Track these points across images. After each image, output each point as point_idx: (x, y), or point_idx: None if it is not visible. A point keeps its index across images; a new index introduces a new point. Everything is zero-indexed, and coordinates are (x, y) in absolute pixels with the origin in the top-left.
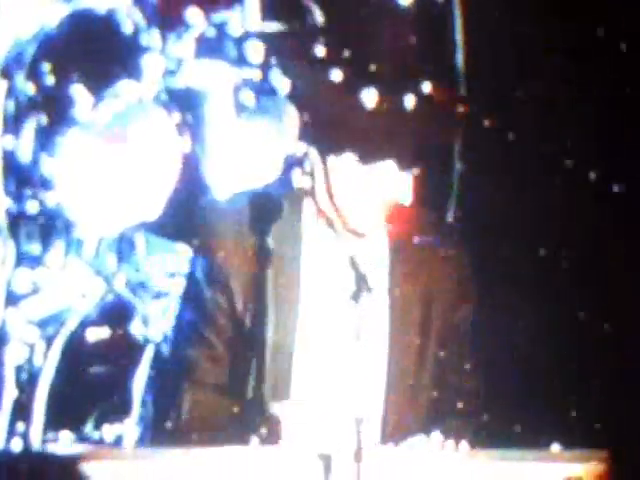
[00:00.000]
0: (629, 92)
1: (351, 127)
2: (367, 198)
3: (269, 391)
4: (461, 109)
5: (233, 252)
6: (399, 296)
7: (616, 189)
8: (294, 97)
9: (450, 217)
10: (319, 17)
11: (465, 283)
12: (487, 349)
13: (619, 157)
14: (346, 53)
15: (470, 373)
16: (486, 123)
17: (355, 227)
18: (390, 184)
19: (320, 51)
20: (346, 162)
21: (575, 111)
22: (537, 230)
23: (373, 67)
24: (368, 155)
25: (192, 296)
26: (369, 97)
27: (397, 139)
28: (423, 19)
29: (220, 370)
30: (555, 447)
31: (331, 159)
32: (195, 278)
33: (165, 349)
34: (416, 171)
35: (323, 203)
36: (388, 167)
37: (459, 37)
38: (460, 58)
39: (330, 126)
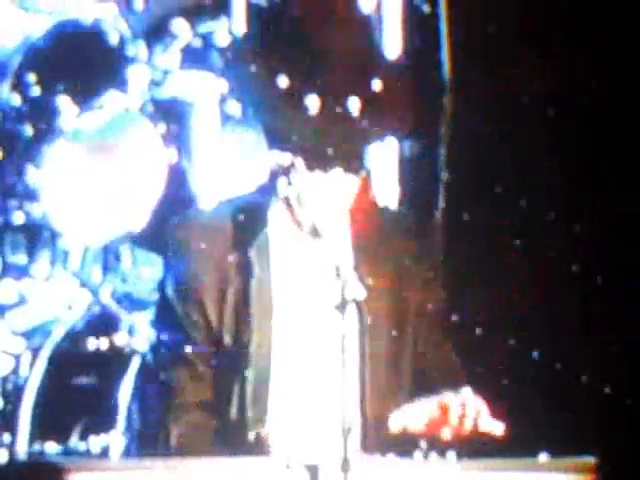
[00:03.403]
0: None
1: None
2: (327, 200)
3: (252, 404)
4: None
5: (210, 266)
6: (370, 300)
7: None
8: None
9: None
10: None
11: (433, 277)
12: (474, 357)
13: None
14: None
15: (452, 370)
16: (473, 124)
17: (319, 229)
18: (345, 186)
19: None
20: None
21: (565, 111)
22: (524, 228)
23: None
24: (316, 160)
25: (167, 313)
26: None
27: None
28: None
29: (202, 388)
30: (543, 456)
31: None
32: (168, 295)
33: (150, 361)
34: (364, 173)
35: (297, 210)
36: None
37: (444, 35)
38: (446, 67)
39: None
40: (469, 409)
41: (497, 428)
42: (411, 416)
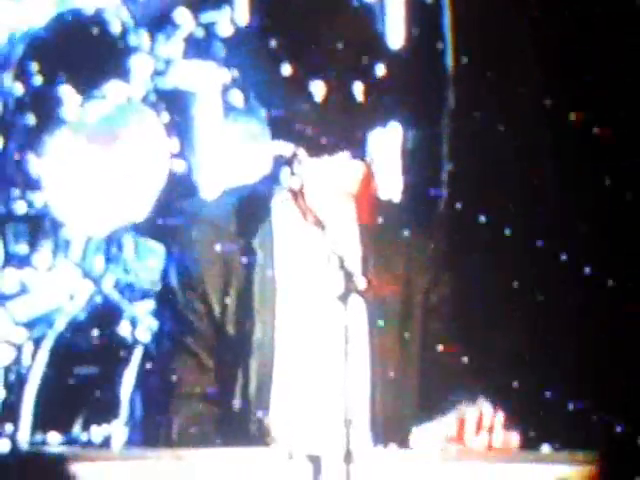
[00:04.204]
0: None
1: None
2: (330, 189)
3: (255, 394)
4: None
5: (213, 256)
6: (375, 292)
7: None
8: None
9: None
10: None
11: (439, 267)
12: (476, 348)
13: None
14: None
15: (457, 360)
16: (477, 119)
17: (322, 219)
18: (349, 174)
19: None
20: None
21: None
22: (527, 222)
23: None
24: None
25: (169, 303)
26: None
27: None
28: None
29: (205, 378)
30: (545, 448)
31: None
32: (171, 285)
33: (153, 350)
34: (369, 159)
35: (300, 200)
36: (343, 157)
37: (448, 35)
38: (449, 57)
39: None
40: (485, 423)
41: (512, 440)
42: (430, 434)
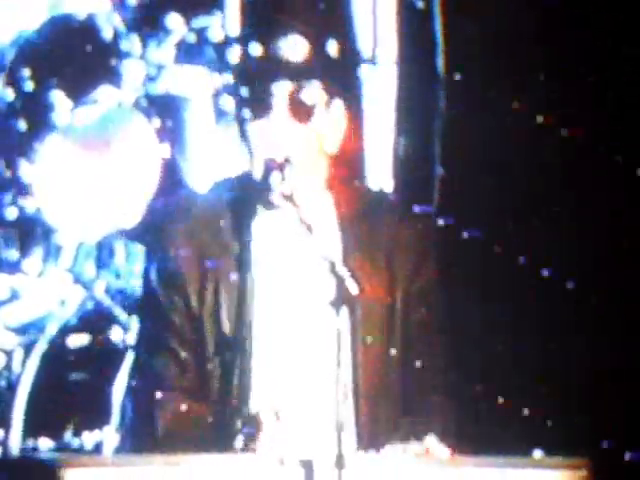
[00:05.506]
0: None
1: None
2: (318, 191)
3: (244, 398)
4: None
5: (197, 256)
6: (365, 297)
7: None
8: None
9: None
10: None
11: (425, 272)
12: (469, 356)
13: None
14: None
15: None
16: (468, 125)
17: (313, 224)
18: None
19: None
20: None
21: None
22: (518, 223)
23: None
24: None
25: (149, 302)
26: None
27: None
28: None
29: (189, 376)
30: (537, 453)
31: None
32: (150, 284)
33: (137, 353)
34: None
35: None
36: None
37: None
38: (440, 60)
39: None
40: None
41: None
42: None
